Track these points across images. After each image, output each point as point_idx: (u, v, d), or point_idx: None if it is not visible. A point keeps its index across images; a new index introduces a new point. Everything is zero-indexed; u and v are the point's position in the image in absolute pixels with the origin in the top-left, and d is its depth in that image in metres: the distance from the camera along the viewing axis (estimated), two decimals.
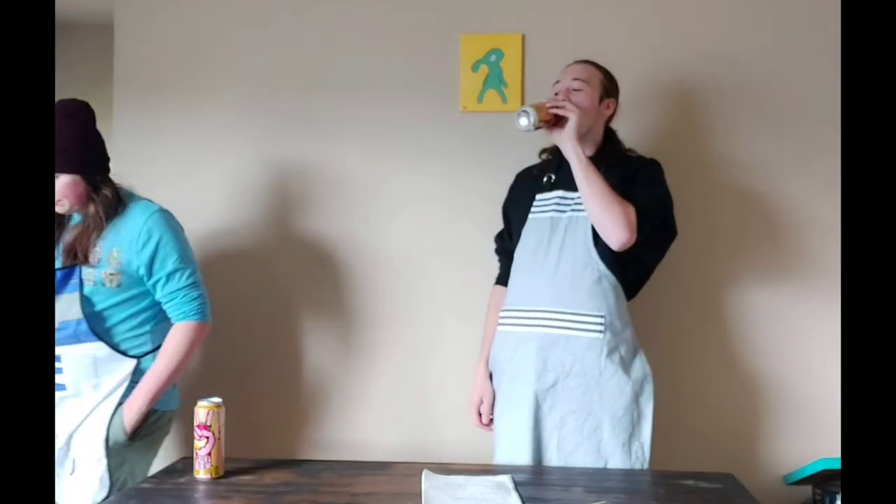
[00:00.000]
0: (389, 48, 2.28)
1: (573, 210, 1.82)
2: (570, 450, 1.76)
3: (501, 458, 1.84)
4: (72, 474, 1.78)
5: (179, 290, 1.82)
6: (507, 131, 1.95)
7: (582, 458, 1.75)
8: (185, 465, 1.66)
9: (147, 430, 1.82)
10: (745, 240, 2.20)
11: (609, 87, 1.90)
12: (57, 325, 1.77)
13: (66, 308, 1.78)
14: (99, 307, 1.80)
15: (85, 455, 1.78)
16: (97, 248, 1.79)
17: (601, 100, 1.87)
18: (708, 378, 2.20)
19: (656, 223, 1.78)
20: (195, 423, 1.56)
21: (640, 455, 1.77)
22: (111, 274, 1.79)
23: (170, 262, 1.81)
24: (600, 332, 1.76)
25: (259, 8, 2.32)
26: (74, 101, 1.82)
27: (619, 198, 1.73)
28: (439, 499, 1.42)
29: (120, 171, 1.90)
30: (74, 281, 1.78)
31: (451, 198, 2.26)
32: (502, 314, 1.90)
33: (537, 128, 1.77)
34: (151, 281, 1.82)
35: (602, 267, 1.78)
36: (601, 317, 1.77)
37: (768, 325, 2.19)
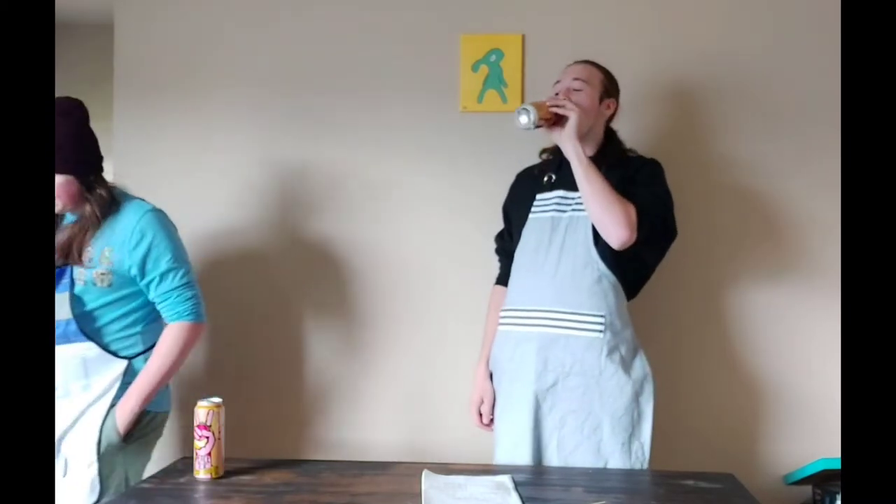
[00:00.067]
0: (389, 48, 2.28)
1: (574, 210, 1.82)
2: (570, 449, 1.76)
3: (501, 457, 1.84)
4: (64, 476, 1.77)
5: (173, 290, 1.80)
6: (507, 131, 1.96)
7: (582, 457, 1.75)
8: (185, 465, 1.66)
9: (140, 432, 1.80)
10: (745, 240, 2.20)
11: (609, 87, 1.90)
12: None
13: (57, 308, 1.76)
14: (89, 307, 1.78)
15: (76, 458, 1.77)
16: (90, 248, 1.77)
17: (601, 100, 1.87)
18: (708, 378, 2.20)
19: (656, 223, 1.78)
20: (195, 423, 1.56)
21: (640, 455, 1.77)
22: (102, 273, 1.77)
23: (163, 261, 1.78)
24: (600, 331, 1.76)
25: (259, 8, 2.32)
26: (68, 98, 1.78)
27: (619, 197, 1.73)
28: (439, 499, 1.42)
29: (120, 171, 1.90)
30: (65, 280, 1.77)
31: (451, 198, 2.26)
32: (502, 314, 1.90)
33: (537, 126, 1.77)
34: (145, 281, 1.79)
35: (602, 267, 1.78)
36: (601, 316, 1.77)
37: (768, 325, 2.19)
